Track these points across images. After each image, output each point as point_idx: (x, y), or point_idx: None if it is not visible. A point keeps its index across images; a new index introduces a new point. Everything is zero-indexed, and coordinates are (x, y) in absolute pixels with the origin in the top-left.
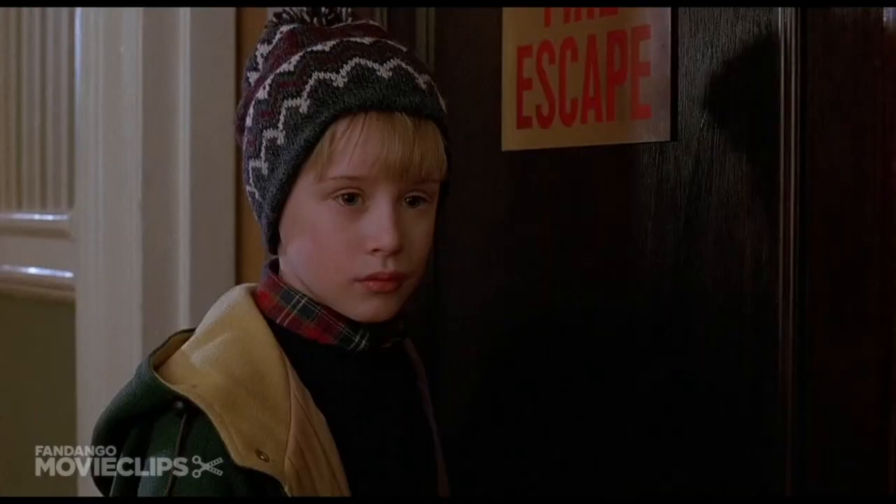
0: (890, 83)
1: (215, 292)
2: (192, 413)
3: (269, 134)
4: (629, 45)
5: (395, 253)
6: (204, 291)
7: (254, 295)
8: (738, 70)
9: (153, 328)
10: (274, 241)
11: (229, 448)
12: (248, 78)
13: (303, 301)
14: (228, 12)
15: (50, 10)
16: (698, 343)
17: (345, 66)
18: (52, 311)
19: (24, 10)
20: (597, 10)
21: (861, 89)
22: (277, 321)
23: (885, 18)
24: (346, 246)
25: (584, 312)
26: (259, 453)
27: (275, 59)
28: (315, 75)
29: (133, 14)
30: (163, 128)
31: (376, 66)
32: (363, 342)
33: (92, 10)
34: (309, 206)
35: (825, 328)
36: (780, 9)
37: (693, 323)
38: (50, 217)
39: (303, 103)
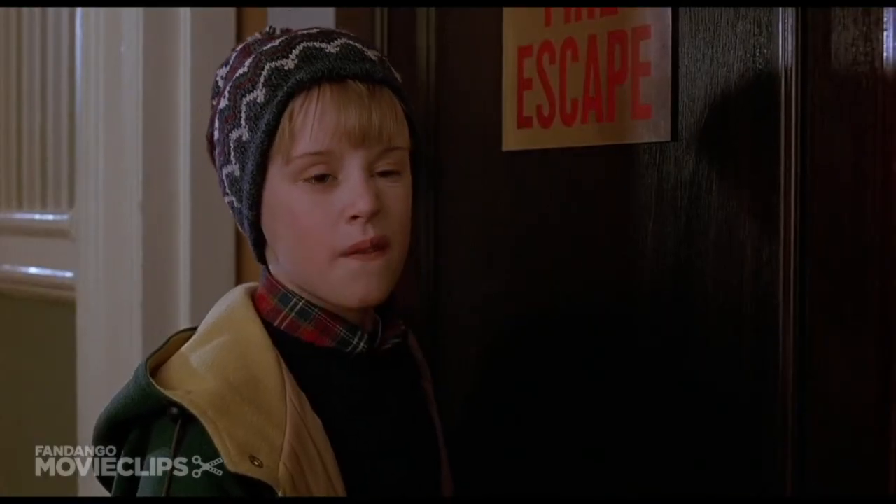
0: (890, 83)
1: (215, 292)
2: (187, 419)
3: (234, 135)
4: (629, 45)
5: (374, 217)
6: (204, 291)
7: (253, 297)
8: (738, 70)
9: (153, 328)
10: (260, 247)
11: (223, 454)
12: (213, 105)
13: (300, 303)
14: (228, 12)
15: (50, 10)
16: (698, 343)
17: (293, 51)
18: (52, 311)
19: (24, 10)
20: (597, 10)
21: (861, 89)
22: (275, 324)
23: (884, 18)
24: (324, 221)
25: (584, 312)
26: (253, 458)
27: (231, 70)
28: (267, 66)
29: (133, 14)
30: (163, 128)
31: (324, 45)
32: (361, 344)
33: (92, 10)
34: (283, 191)
35: (825, 328)
36: (780, 9)
37: (693, 323)
38: (50, 217)
39: (259, 94)
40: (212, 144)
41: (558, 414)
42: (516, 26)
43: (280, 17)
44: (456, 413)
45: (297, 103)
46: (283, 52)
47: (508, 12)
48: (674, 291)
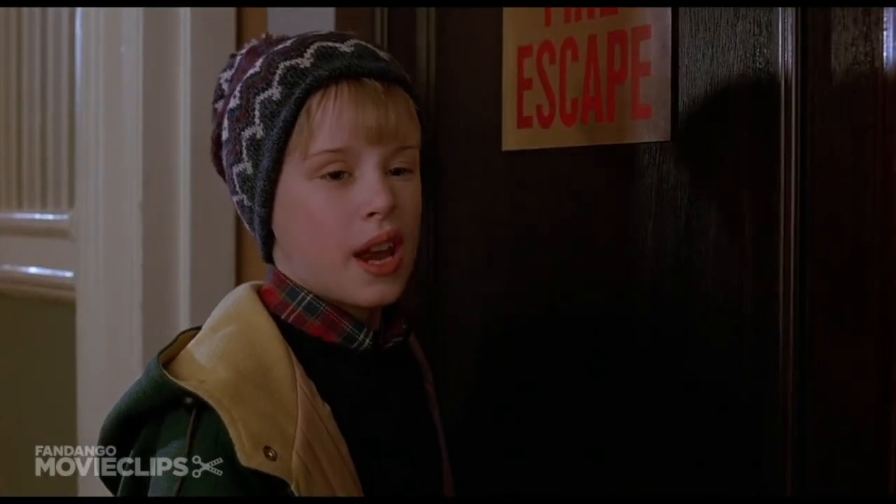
0: (890, 83)
1: (215, 292)
2: (201, 408)
3: (247, 133)
4: (629, 45)
5: (389, 214)
6: (204, 291)
7: (259, 292)
8: (738, 70)
9: (153, 328)
10: (269, 246)
11: (236, 446)
12: (215, 109)
13: (308, 298)
14: (228, 12)
15: (50, 10)
16: (698, 343)
17: (308, 50)
18: (52, 311)
19: (24, 10)
20: (597, 9)
21: (861, 89)
22: (283, 317)
23: (884, 18)
24: (340, 218)
25: (584, 312)
26: (267, 449)
27: (240, 72)
28: (281, 65)
29: (133, 14)
30: (163, 128)
31: (338, 44)
32: (367, 341)
33: (92, 10)
34: (298, 188)
35: (825, 328)
36: (780, 9)
37: (693, 323)
38: (50, 217)
39: (274, 92)
40: (217, 145)
41: (558, 414)
42: (516, 26)
43: (280, 17)
44: (456, 413)
45: (314, 100)
46: (297, 51)
47: (508, 12)
48: (674, 291)
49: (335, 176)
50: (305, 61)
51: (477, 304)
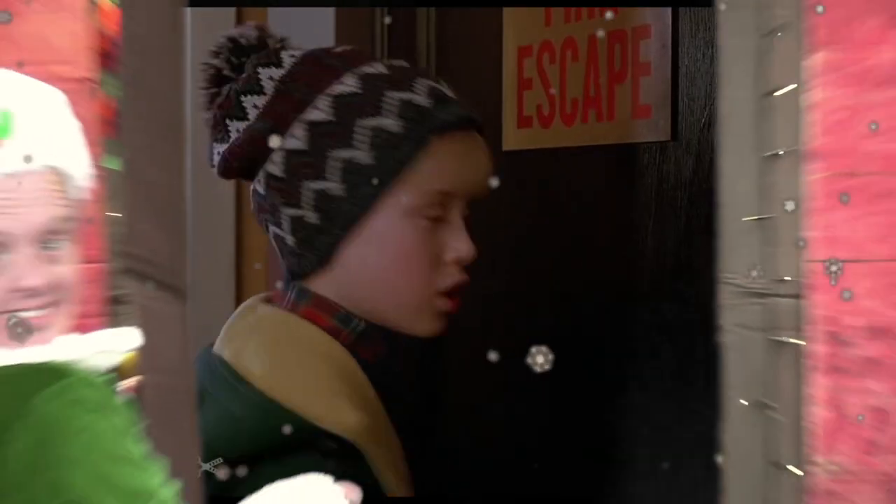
0: None
1: (215, 293)
2: (343, 453)
3: (343, 154)
4: (629, 45)
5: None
6: (204, 291)
7: (303, 317)
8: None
9: None
10: (314, 265)
11: (389, 489)
12: (242, 102)
13: (361, 325)
14: (228, 12)
15: None
16: (699, 343)
17: (416, 85)
18: None
19: None
20: (597, 9)
21: None
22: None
23: None
24: (429, 260)
25: (584, 312)
26: (401, 482)
27: (309, 78)
28: (392, 95)
29: None
30: None
31: (438, 86)
32: (399, 364)
33: None
34: (393, 222)
35: None
36: None
37: (693, 323)
38: None
39: (390, 123)
40: (260, 143)
41: (558, 413)
42: (516, 26)
43: (280, 17)
44: (456, 413)
45: (435, 142)
46: (403, 83)
47: (508, 12)
48: (674, 291)
49: (431, 218)
50: (421, 99)
51: (477, 304)
